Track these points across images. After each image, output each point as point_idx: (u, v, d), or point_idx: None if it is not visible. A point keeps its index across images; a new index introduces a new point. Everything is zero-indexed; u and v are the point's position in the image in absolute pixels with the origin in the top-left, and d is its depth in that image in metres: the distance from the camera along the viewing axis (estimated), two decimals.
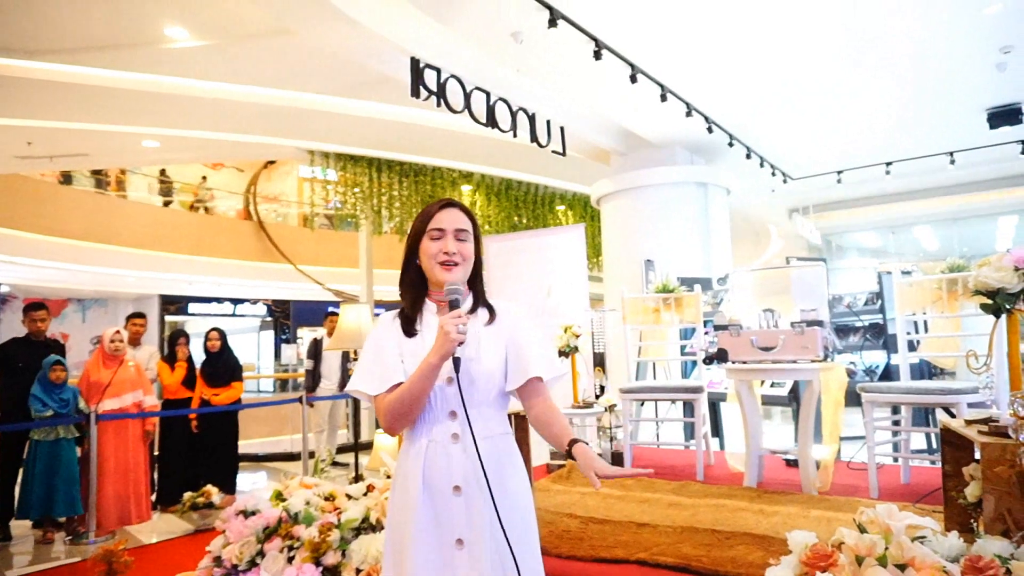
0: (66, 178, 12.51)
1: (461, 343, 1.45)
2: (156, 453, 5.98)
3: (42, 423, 4.90)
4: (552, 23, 4.27)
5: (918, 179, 9.33)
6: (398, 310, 1.66)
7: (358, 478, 4.28)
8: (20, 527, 5.08)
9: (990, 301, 2.28)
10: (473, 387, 1.53)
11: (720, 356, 3.57)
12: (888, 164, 8.23)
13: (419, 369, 1.49)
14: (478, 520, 1.48)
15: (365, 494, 2.92)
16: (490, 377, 1.56)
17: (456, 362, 1.46)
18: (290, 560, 2.58)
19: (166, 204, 14.98)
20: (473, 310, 1.63)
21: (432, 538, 1.51)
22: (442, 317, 1.50)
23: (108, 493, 5.10)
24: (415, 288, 1.65)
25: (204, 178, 15.85)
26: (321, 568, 2.51)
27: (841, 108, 6.62)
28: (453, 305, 1.51)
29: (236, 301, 17.93)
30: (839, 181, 8.65)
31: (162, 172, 15.48)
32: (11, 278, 13.22)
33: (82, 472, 5.03)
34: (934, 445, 4.61)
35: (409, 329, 1.60)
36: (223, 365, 6.09)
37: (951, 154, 7.89)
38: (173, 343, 6.09)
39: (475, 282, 1.66)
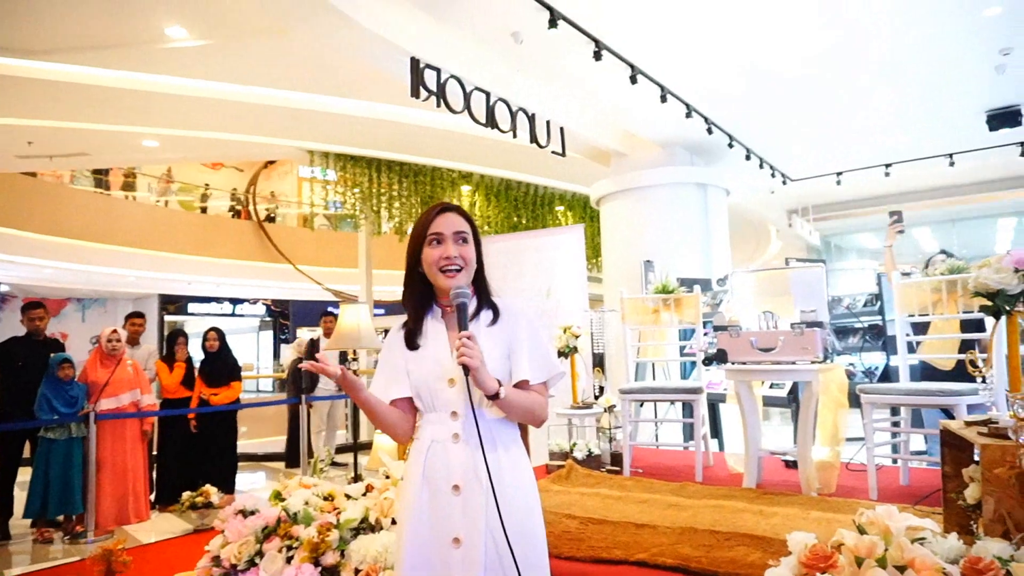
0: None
1: (468, 367, 1.46)
2: (155, 453, 5.98)
3: (53, 421, 4.91)
4: (552, 23, 4.27)
5: (917, 181, 9.35)
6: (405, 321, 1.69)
7: (357, 478, 4.28)
8: (17, 527, 5.08)
9: (990, 303, 2.28)
10: (472, 388, 1.53)
11: (719, 357, 3.57)
12: (888, 166, 8.23)
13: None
14: (475, 519, 1.49)
15: (364, 494, 2.91)
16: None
17: (466, 369, 1.47)
18: (289, 560, 2.58)
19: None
20: (477, 312, 1.63)
21: (429, 537, 1.52)
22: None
23: (106, 492, 5.11)
24: (418, 298, 1.66)
25: (168, 170, 15.65)
26: (320, 568, 2.51)
27: (841, 110, 6.63)
28: (461, 309, 1.53)
29: (235, 301, 17.93)
30: (839, 183, 8.65)
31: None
32: (10, 277, 13.21)
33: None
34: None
35: (411, 342, 1.62)
36: (222, 365, 6.09)
37: (950, 156, 7.89)
38: (172, 343, 6.09)
39: (479, 283, 1.67)
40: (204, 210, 15.76)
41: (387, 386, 1.62)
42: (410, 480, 1.57)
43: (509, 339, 1.61)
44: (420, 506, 1.53)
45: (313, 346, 7.47)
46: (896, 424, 3.87)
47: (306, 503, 2.78)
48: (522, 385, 1.59)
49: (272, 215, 16.10)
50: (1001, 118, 6.73)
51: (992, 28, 5.01)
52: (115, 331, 5.41)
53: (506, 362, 1.60)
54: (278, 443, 8.90)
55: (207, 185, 16.25)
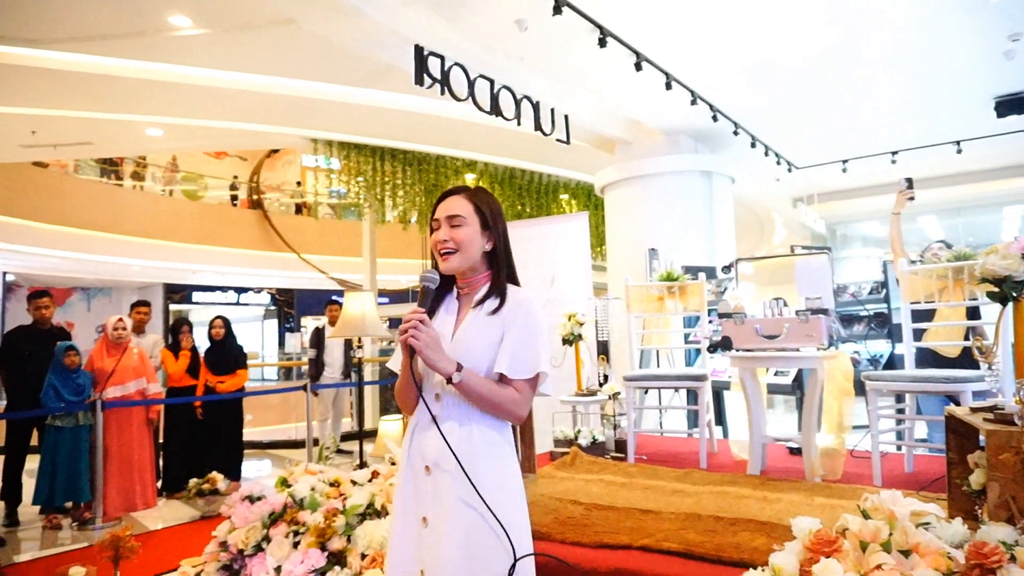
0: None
1: (411, 345, 1.51)
2: (161, 440, 6.02)
3: (60, 409, 4.94)
4: (557, 10, 4.24)
5: (924, 168, 9.26)
6: None
7: (362, 465, 4.30)
8: (26, 513, 5.12)
9: (997, 289, 2.27)
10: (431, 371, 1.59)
11: (724, 344, 3.57)
12: (894, 153, 8.17)
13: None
14: (443, 500, 1.53)
15: (370, 480, 2.93)
16: (475, 365, 1.58)
17: (412, 351, 1.54)
18: (295, 545, 2.60)
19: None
20: (485, 298, 1.65)
21: (408, 514, 1.59)
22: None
23: (113, 480, 5.15)
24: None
25: (174, 158, 15.55)
26: (326, 553, 2.53)
27: (847, 97, 6.57)
28: (424, 292, 1.60)
29: (240, 290, 17.98)
30: (844, 170, 8.59)
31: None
32: (16, 267, 13.26)
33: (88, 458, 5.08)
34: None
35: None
36: (227, 353, 6.12)
37: (958, 143, 7.82)
38: (176, 332, 6.11)
39: (494, 267, 1.69)
40: (234, 199, 15.76)
41: (398, 356, 1.68)
42: (399, 462, 1.66)
43: (504, 330, 1.61)
44: (403, 487, 1.61)
45: (318, 335, 7.50)
46: (901, 411, 3.87)
47: (312, 489, 2.80)
48: (505, 378, 1.59)
49: (301, 205, 16.05)
50: (1009, 105, 6.66)
51: (1000, 13, 4.95)
52: (120, 319, 5.43)
53: (493, 351, 1.60)
54: (284, 431, 8.96)
55: (236, 176, 16.26)
